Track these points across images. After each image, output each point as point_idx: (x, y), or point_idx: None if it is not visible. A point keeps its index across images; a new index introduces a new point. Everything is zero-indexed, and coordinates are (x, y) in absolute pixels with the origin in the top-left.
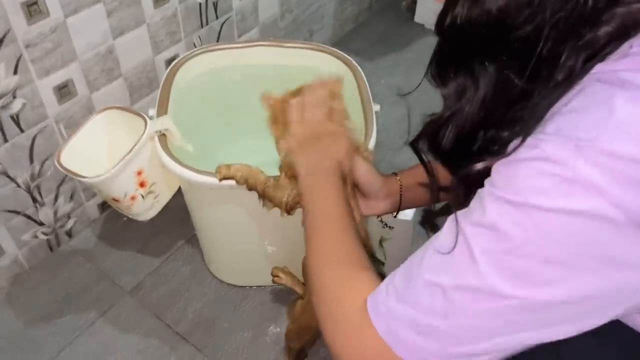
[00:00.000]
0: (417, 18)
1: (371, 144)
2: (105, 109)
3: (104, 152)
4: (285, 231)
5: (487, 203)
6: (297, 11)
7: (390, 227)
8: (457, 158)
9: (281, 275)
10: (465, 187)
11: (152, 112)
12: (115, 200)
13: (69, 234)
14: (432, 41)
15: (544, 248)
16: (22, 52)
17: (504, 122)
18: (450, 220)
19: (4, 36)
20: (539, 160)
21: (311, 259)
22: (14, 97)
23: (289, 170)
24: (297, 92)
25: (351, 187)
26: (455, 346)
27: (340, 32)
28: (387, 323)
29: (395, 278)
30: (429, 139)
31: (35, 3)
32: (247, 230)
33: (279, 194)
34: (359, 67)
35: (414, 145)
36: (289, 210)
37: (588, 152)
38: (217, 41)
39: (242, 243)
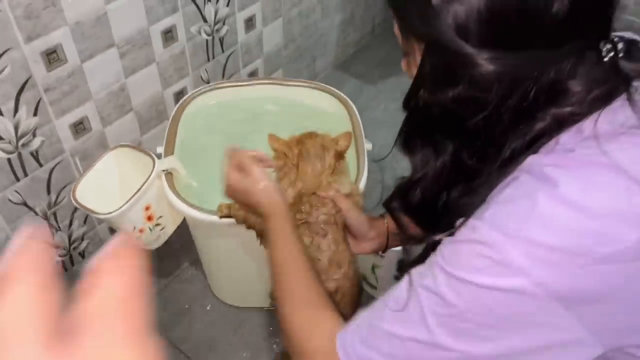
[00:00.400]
0: None
1: (362, 184)
2: (117, 147)
3: (115, 186)
4: None
5: (437, 272)
6: (300, 40)
7: (381, 255)
8: (424, 216)
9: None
10: (432, 247)
11: (160, 149)
12: (124, 232)
13: (82, 254)
14: None
15: (480, 315)
16: (41, 95)
17: (462, 189)
18: (406, 279)
19: (25, 82)
20: (476, 243)
21: (280, 302)
22: (34, 135)
23: None
24: (300, 139)
25: (342, 228)
26: None
27: (343, 56)
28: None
29: (361, 323)
30: (401, 200)
31: (54, 51)
32: (246, 259)
33: None
34: (353, 107)
35: (387, 205)
36: None
37: (515, 240)
38: (223, 73)
39: (241, 269)
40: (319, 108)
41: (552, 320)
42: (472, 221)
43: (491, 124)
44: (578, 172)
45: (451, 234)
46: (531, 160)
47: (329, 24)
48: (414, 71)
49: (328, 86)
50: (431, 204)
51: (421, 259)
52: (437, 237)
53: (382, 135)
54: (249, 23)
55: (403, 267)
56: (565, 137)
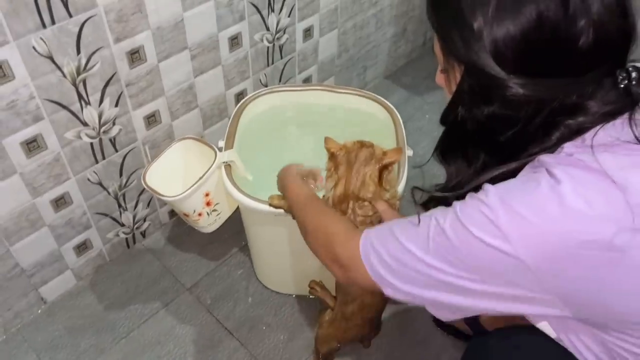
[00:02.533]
0: None
1: (400, 187)
2: (183, 138)
3: (180, 173)
4: None
5: (450, 212)
6: (353, 51)
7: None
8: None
9: (317, 288)
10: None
11: (221, 143)
12: (185, 215)
13: (143, 234)
14: None
15: (465, 255)
16: (123, 89)
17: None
18: (431, 210)
19: (111, 78)
20: (481, 202)
21: (305, 221)
22: (113, 124)
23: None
24: (353, 146)
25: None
26: (401, 282)
27: (393, 67)
28: (366, 249)
29: (385, 225)
30: (436, 202)
31: (137, 52)
32: (290, 248)
33: None
34: (398, 115)
35: (424, 206)
36: None
37: (510, 210)
38: (280, 78)
39: (285, 257)
40: (367, 115)
41: (521, 281)
42: (489, 186)
43: (518, 138)
44: (574, 172)
45: None
46: (544, 158)
47: (382, 37)
48: (452, 87)
49: (376, 95)
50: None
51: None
52: None
53: (425, 144)
54: (307, 33)
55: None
56: (569, 144)
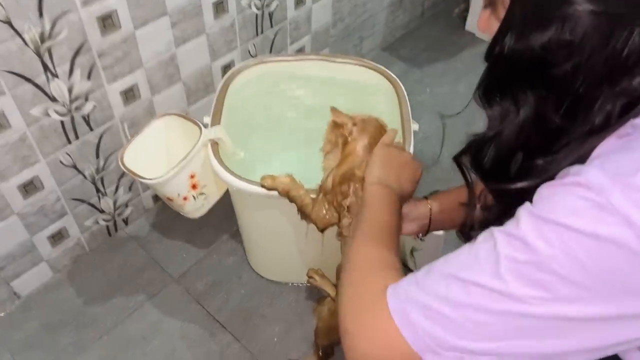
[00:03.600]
0: (469, 26)
1: None
2: (164, 114)
3: (162, 154)
4: (321, 237)
5: (522, 216)
6: (349, 20)
7: (421, 239)
8: (496, 176)
9: (315, 277)
10: (501, 205)
11: (207, 119)
12: (169, 199)
13: (126, 221)
14: (482, 51)
15: (566, 267)
16: (95, 60)
17: (541, 151)
18: (485, 232)
19: (81, 46)
20: (578, 186)
21: (353, 252)
22: (86, 100)
23: (327, 192)
24: (363, 119)
25: None
26: (459, 339)
27: (391, 38)
28: (401, 304)
29: (419, 271)
30: (472, 156)
31: (110, 17)
32: (286, 233)
33: (315, 212)
34: (402, 86)
35: (457, 160)
36: (323, 228)
37: (625, 186)
38: (271, 48)
39: (280, 243)
40: (367, 86)
41: None
42: (577, 167)
43: (583, 75)
44: None
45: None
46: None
47: (378, 5)
48: (495, 27)
49: (377, 65)
50: (504, 165)
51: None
52: (515, 187)
53: (426, 119)
54: None
55: (466, 229)
56: None
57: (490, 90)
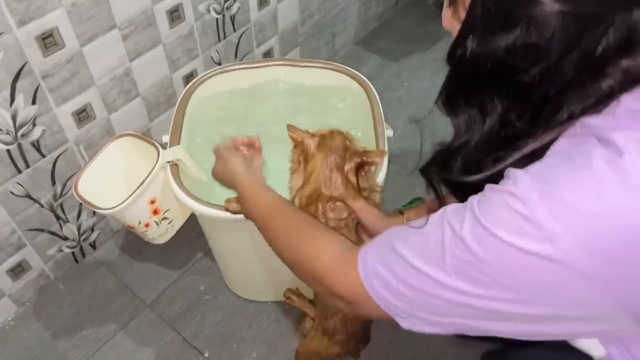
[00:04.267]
0: None
1: (381, 176)
2: (119, 136)
3: (121, 178)
4: None
5: (467, 214)
6: (319, 15)
7: None
8: (465, 187)
9: (293, 297)
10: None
11: (166, 138)
12: (130, 227)
13: (93, 245)
14: None
15: (499, 273)
16: (39, 82)
17: (499, 149)
18: (440, 211)
19: (21, 69)
20: (510, 195)
21: (279, 245)
22: (34, 125)
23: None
24: (323, 134)
25: (356, 229)
26: (419, 311)
27: (364, 31)
28: (368, 277)
29: (384, 242)
30: (439, 167)
31: (50, 35)
32: (259, 254)
33: None
34: (373, 89)
35: (424, 172)
36: None
37: (551, 199)
38: (236, 54)
39: (254, 263)
40: (335, 90)
41: (575, 295)
42: (516, 171)
43: (550, 79)
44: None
45: None
46: (592, 122)
47: None
48: (457, 27)
49: (346, 67)
50: (473, 173)
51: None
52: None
53: (405, 116)
54: None
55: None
56: (629, 97)
57: (453, 97)
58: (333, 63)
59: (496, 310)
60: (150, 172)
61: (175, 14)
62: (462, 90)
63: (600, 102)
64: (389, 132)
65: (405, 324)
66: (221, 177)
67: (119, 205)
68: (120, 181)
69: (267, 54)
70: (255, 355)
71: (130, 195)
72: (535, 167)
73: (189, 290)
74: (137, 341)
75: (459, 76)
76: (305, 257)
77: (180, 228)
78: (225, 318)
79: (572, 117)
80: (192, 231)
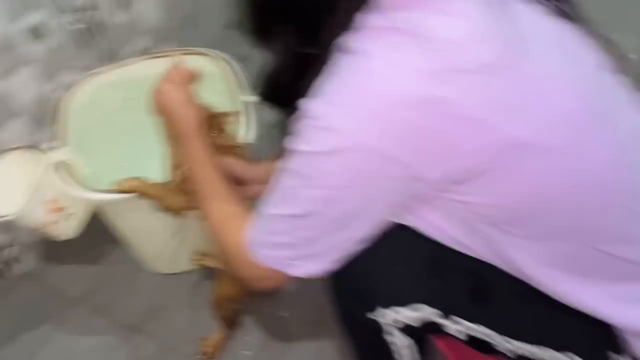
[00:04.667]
0: None
1: (251, 135)
2: (6, 150)
3: (22, 189)
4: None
5: (290, 153)
6: (186, 7)
7: None
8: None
9: (201, 258)
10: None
11: (51, 144)
12: (40, 230)
13: (16, 259)
14: None
15: (326, 178)
16: None
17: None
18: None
19: None
20: (307, 118)
21: (204, 205)
22: None
23: (179, 182)
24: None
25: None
26: (300, 249)
27: (234, 14)
28: (255, 248)
29: (258, 214)
30: (269, 88)
31: None
32: (162, 228)
33: (170, 200)
34: (231, 64)
35: (263, 97)
36: (179, 212)
37: (334, 106)
38: (109, 58)
39: (162, 238)
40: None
41: (384, 173)
42: (305, 102)
43: (315, 5)
44: (382, 42)
45: None
46: (346, 43)
47: None
48: None
49: (199, 48)
50: (295, 92)
51: None
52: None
53: None
54: (120, 1)
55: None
56: (370, 16)
57: (256, 26)
58: (191, 48)
59: (350, 212)
60: (37, 178)
61: (36, 31)
62: (262, 22)
63: (345, 23)
64: (252, 98)
65: (297, 271)
66: (159, 108)
67: (10, 216)
68: (21, 193)
69: (142, 53)
70: (183, 320)
71: (24, 202)
72: (317, 91)
73: (112, 278)
74: (73, 336)
75: (254, 6)
76: (218, 228)
77: (90, 226)
78: (149, 294)
79: (335, 37)
80: (101, 226)
